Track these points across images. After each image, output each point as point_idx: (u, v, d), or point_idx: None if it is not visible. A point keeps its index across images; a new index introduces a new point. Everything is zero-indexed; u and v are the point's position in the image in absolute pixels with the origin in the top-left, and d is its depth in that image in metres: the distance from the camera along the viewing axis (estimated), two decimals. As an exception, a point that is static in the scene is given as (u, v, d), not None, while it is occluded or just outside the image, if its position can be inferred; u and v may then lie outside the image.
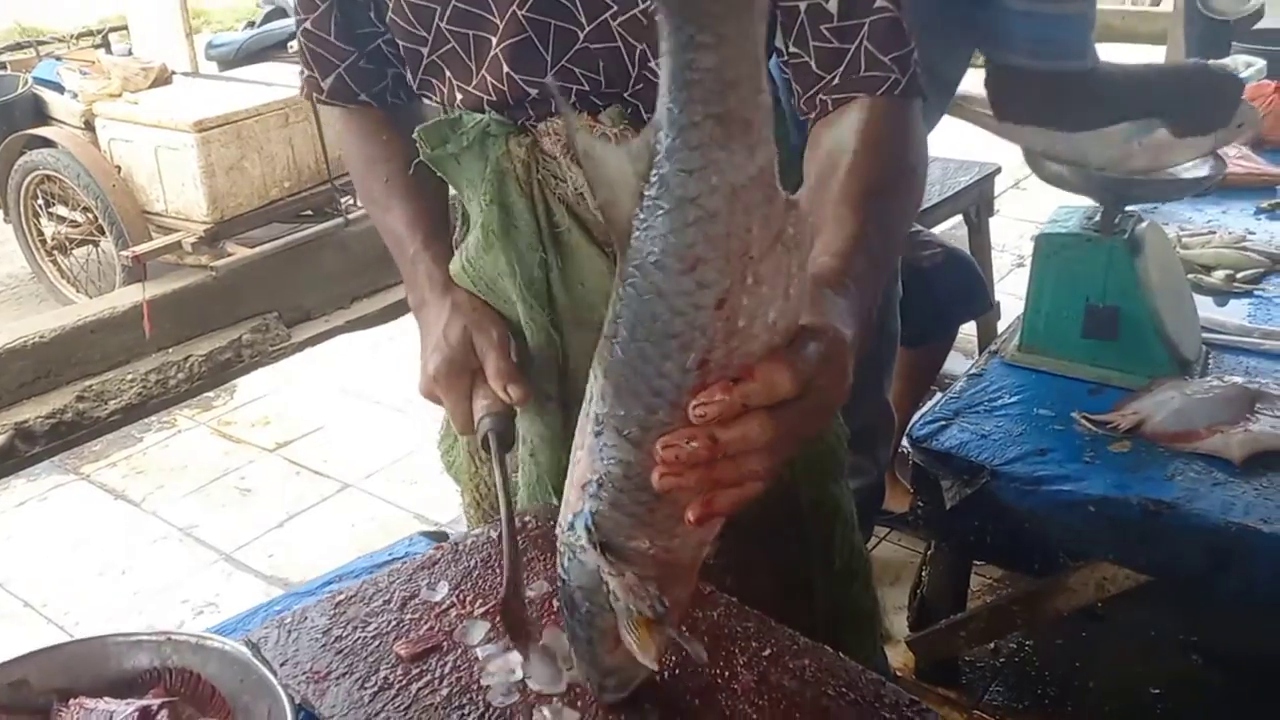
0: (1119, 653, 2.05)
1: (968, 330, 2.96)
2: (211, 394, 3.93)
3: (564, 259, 1.09)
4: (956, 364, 2.75)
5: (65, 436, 3.73)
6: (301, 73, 1.17)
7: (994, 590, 2.22)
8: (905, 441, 1.99)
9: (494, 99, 1.04)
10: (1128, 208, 1.85)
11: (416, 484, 3.12)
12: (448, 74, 1.06)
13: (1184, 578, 1.58)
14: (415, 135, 1.09)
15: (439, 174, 1.12)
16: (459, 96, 1.07)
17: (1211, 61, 1.89)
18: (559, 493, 1.16)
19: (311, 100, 1.18)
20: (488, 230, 1.09)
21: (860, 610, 1.19)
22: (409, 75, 1.10)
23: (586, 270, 1.09)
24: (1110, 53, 1.66)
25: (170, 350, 4.16)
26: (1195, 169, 1.79)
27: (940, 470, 1.78)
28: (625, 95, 1.02)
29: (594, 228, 1.08)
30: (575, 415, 1.14)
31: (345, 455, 3.33)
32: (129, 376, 4.02)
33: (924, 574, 2.04)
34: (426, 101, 1.16)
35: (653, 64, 1.00)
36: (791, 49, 0.96)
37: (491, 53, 1.01)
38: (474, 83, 1.04)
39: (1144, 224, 1.84)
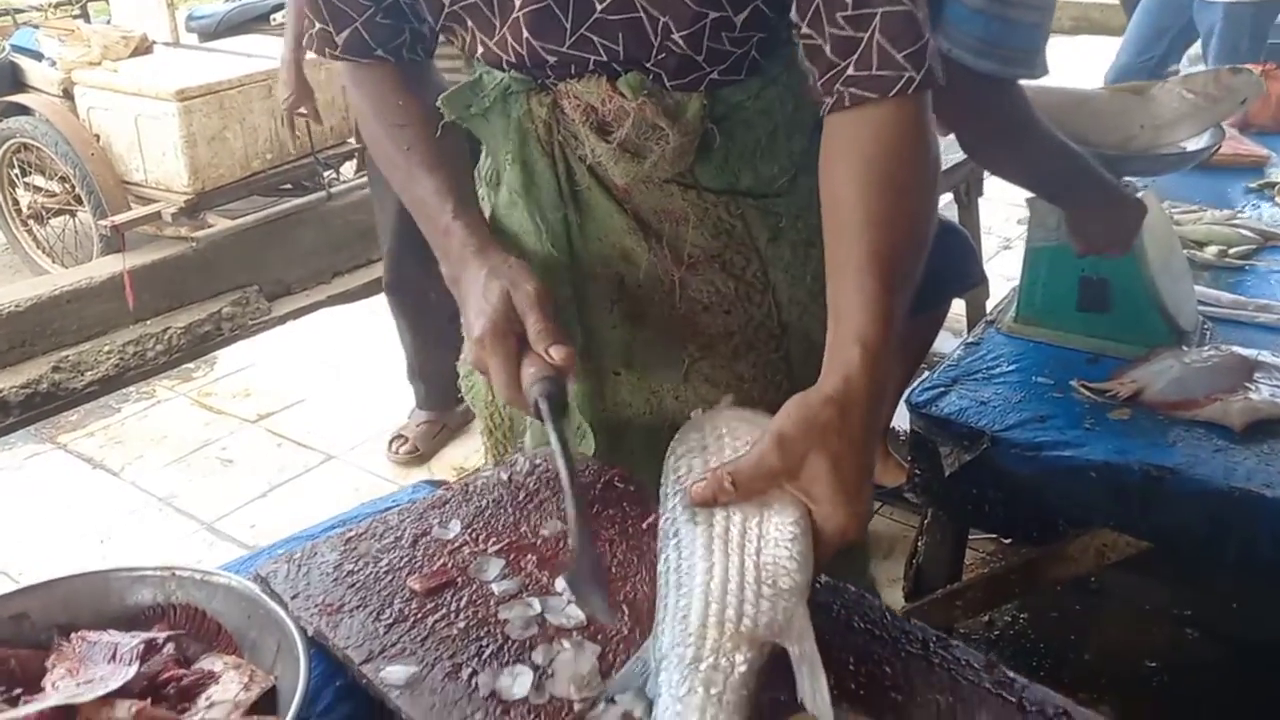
0: (1114, 626, 2.06)
1: (956, 310, 2.96)
2: (191, 365, 3.87)
3: (584, 215, 1.13)
4: (946, 344, 2.75)
5: (41, 407, 3.66)
6: (311, 28, 1.14)
7: (988, 564, 2.22)
8: (901, 410, 1.98)
9: (513, 60, 1.04)
10: (1124, 179, 1.84)
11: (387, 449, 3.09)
12: (470, 24, 1.05)
13: (1184, 544, 1.57)
14: (439, 103, 1.11)
15: (464, 133, 1.13)
16: (480, 50, 1.06)
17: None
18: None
19: (323, 55, 1.15)
20: (511, 189, 1.13)
21: (849, 565, 1.23)
22: (430, 19, 1.08)
23: (605, 226, 1.13)
24: (1087, 44, 1.62)
25: (148, 322, 4.09)
26: (1196, 140, 1.79)
27: (939, 436, 1.77)
28: (647, 64, 1.02)
29: (612, 187, 1.11)
30: (592, 365, 1.16)
31: (328, 427, 3.28)
32: (106, 348, 3.95)
33: (919, 545, 2.03)
34: (440, 63, 1.17)
35: (676, 36, 0.99)
36: (805, 30, 0.96)
37: (514, 14, 1.01)
38: (495, 39, 1.04)
39: (1140, 194, 1.84)
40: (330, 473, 3.06)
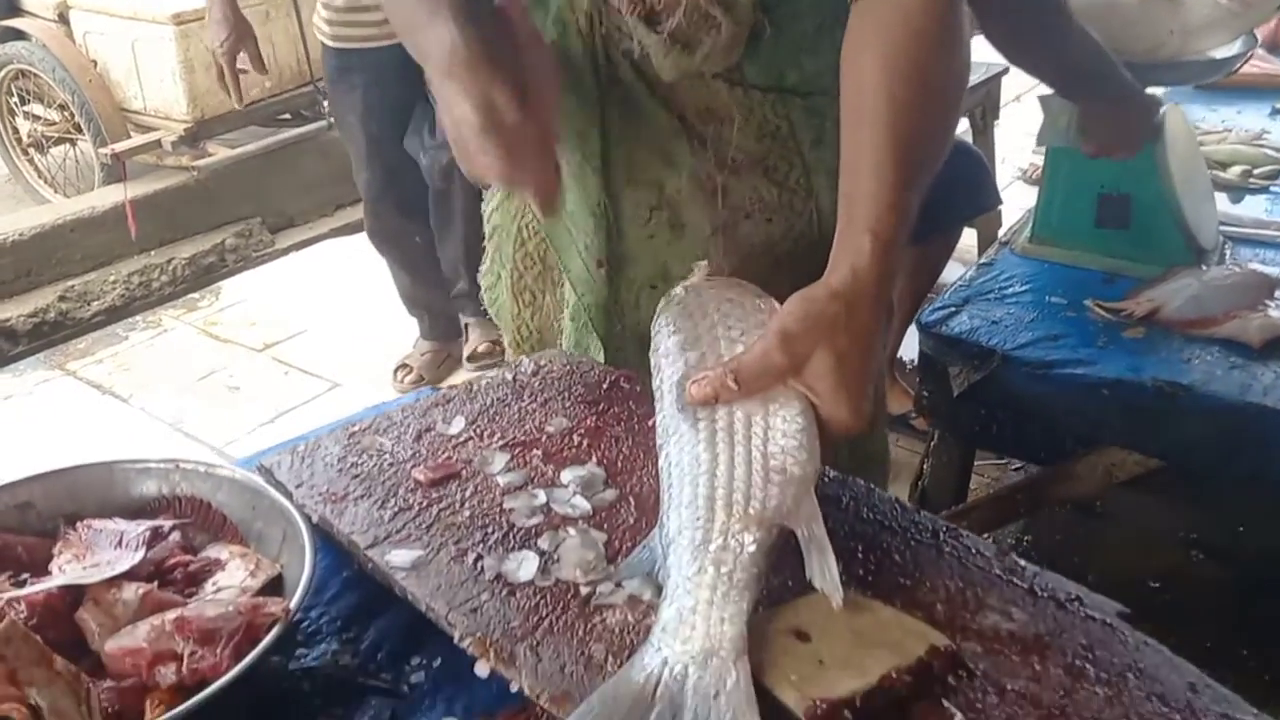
0: (1118, 548, 2.06)
1: (967, 241, 2.93)
2: (196, 295, 3.86)
3: (624, 115, 1.07)
4: (954, 273, 2.71)
5: (49, 336, 3.66)
6: None
7: (993, 486, 2.22)
8: (909, 338, 1.97)
9: None
10: (1149, 90, 1.80)
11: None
12: None
13: (1195, 462, 1.56)
14: None
15: None
16: None
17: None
18: (606, 351, 1.14)
19: None
20: None
21: (873, 454, 1.24)
22: None
23: (645, 128, 1.07)
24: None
25: (152, 252, 4.07)
26: (1226, 49, 1.74)
27: (949, 356, 1.75)
28: None
29: (656, 85, 1.06)
30: (624, 278, 1.13)
31: (333, 356, 3.28)
32: (111, 278, 3.94)
33: (925, 467, 2.02)
34: None
35: None
36: None
37: None
38: None
39: (1165, 109, 1.80)
40: (336, 400, 3.06)
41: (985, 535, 2.05)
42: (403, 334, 3.20)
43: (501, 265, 1.25)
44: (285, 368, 3.24)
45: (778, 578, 0.74)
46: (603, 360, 1.13)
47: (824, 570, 0.69)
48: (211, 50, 2.81)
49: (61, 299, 3.79)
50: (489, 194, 1.25)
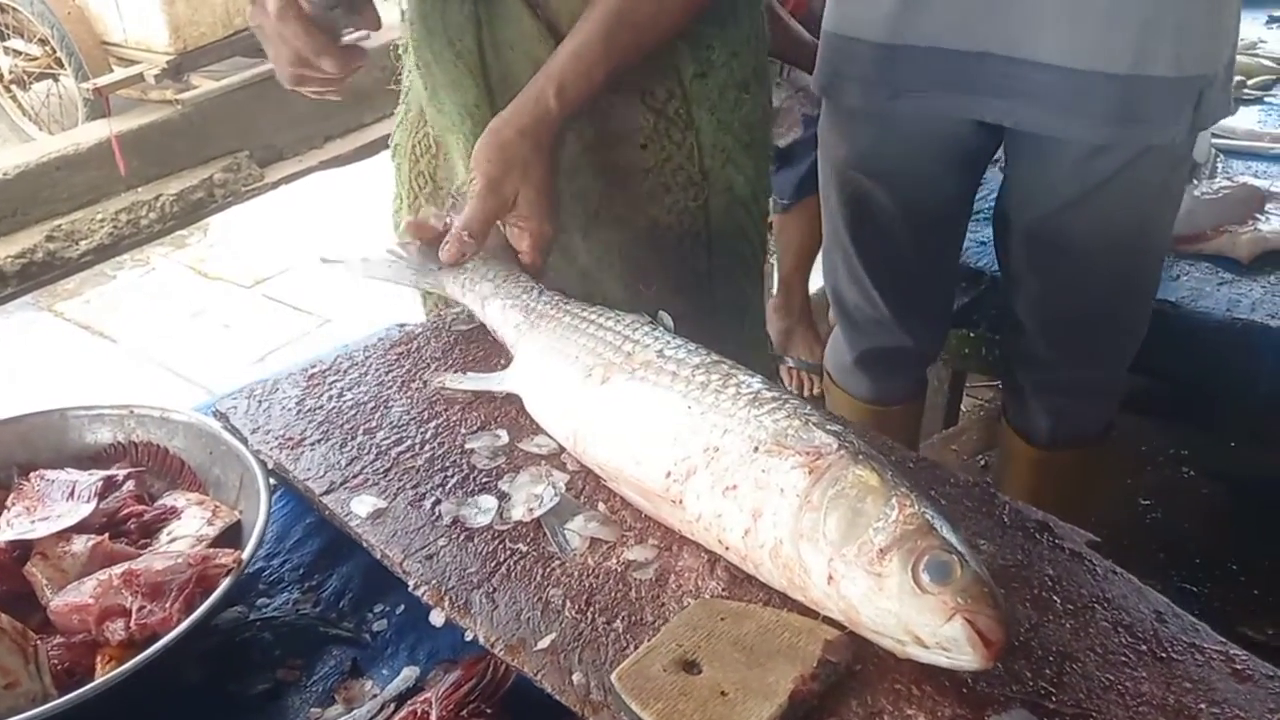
0: (1110, 467, 2.04)
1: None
2: (185, 232, 3.82)
3: (493, 16, 1.06)
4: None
5: (37, 276, 3.63)
6: None
7: (983, 409, 2.20)
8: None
9: None
10: None
11: (396, 319, 3.05)
12: None
13: (1185, 380, 1.54)
14: None
15: None
16: None
17: None
18: None
19: None
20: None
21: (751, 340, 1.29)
22: None
23: (516, 33, 1.06)
24: None
25: (140, 189, 4.02)
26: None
27: (939, 278, 1.72)
28: None
29: None
30: None
31: (324, 292, 3.25)
32: (99, 216, 3.89)
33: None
34: None
35: None
36: None
37: None
38: None
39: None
40: (327, 336, 3.04)
41: (978, 457, 2.06)
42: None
43: (401, 185, 1.25)
44: (275, 304, 3.22)
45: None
46: None
47: None
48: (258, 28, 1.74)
49: (49, 239, 3.75)
50: (396, 113, 1.25)
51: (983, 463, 2.07)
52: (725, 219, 1.15)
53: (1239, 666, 0.67)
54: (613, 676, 0.61)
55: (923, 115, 1.32)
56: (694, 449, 0.72)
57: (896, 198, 1.42)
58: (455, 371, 0.93)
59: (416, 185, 1.22)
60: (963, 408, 2.15)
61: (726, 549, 0.70)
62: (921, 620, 0.60)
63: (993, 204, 1.81)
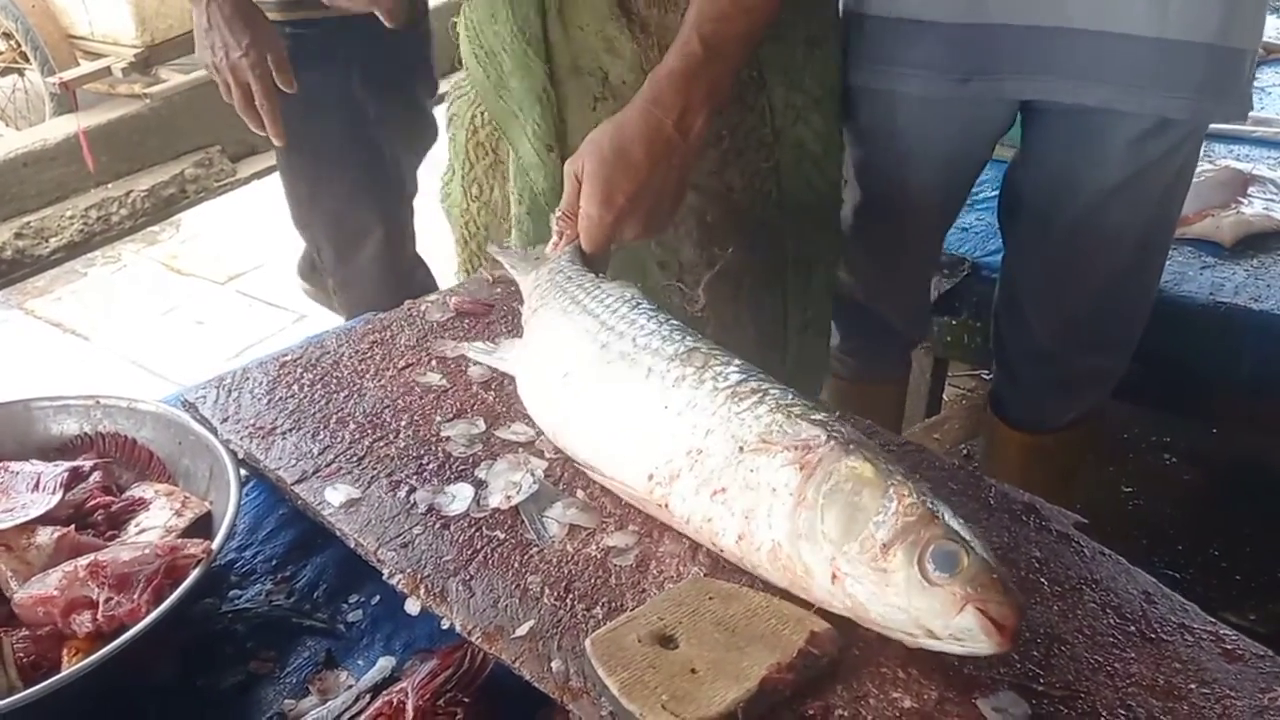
0: (1092, 454, 2.05)
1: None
2: (156, 229, 3.76)
3: (565, 4, 1.04)
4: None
5: (7, 275, 3.57)
6: None
7: (966, 398, 2.20)
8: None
9: None
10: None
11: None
12: None
13: (1168, 365, 1.54)
14: None
15: None
16: None
17: None
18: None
19: None
20: None
21: (814, 358, 1.27)
22: None
23: (586, 11, 1.04)
24: None
25: (110, 185, 3.95)
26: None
27: (919, 265, 1.71)
28: None
29: None
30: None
31: (297, 288, 3.21)
32: (69, 213, 3.82)
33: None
34: None
35: None
36: None
37: None
38: None
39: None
40: (302, 332, 3.00)
41: (960, 446, 2.06)
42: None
43: (455, 156, 1.23)
44: (249, 300, 3.18)
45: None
46: None
47: None
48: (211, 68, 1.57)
49: (18, 236, 3.68)
50: (456, 81, 1.23)
51: (965, 451, 2.06)
52: (795, 176, 1.13)
53: (1229, 646, 0.66)
54: (586, 641, 0.60)
55: (979, 100, 1.23)
56: (675, 452, 0.70)
57: (912, 182, 1.33)
58: (434, 361, 0.91)
59: (474, 156, 1.20)
60: (945, 397, 2.14)
61: (722, 552, 0.69)
62: (932, 614, 0.59)
63: (978, 190, 1.80)
